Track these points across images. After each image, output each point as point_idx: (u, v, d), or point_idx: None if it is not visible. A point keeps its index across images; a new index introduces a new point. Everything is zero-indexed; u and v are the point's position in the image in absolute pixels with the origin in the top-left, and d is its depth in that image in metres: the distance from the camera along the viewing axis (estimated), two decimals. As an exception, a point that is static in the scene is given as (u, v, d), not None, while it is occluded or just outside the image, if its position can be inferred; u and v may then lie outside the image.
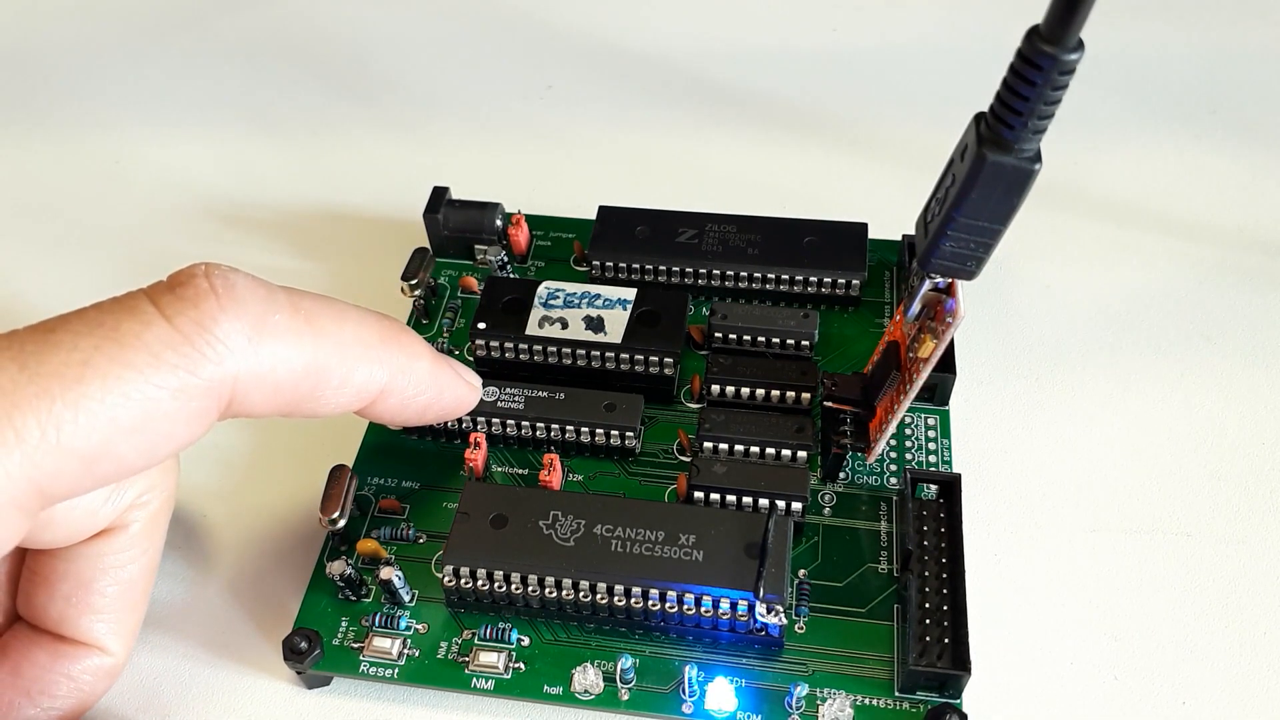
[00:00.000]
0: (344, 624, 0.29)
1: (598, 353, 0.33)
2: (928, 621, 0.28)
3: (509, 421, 0.32)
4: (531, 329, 0.34)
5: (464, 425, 0.33)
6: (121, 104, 0.48)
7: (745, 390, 0.33)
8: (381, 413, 0.28)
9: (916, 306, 0.29)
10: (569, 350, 0.33)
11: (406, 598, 0.29)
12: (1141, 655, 0.29)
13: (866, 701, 0.27)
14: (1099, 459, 0.33)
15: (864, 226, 0.37)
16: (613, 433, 0.32)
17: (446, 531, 0.29)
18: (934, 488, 0.31)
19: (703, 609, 0.28)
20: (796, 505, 0.30)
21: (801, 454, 0.31)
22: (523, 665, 0.28)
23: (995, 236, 0.25)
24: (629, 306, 0.34)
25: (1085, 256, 0.39)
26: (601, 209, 0.38)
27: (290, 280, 0.26)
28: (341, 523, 0.30)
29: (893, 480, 0.32)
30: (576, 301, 0.34)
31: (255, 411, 0.24)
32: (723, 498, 0.30)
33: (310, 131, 0.46)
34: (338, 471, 0.31)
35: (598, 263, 0.37)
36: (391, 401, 0.27)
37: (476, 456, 0.32)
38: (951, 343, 0.31)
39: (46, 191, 0.44)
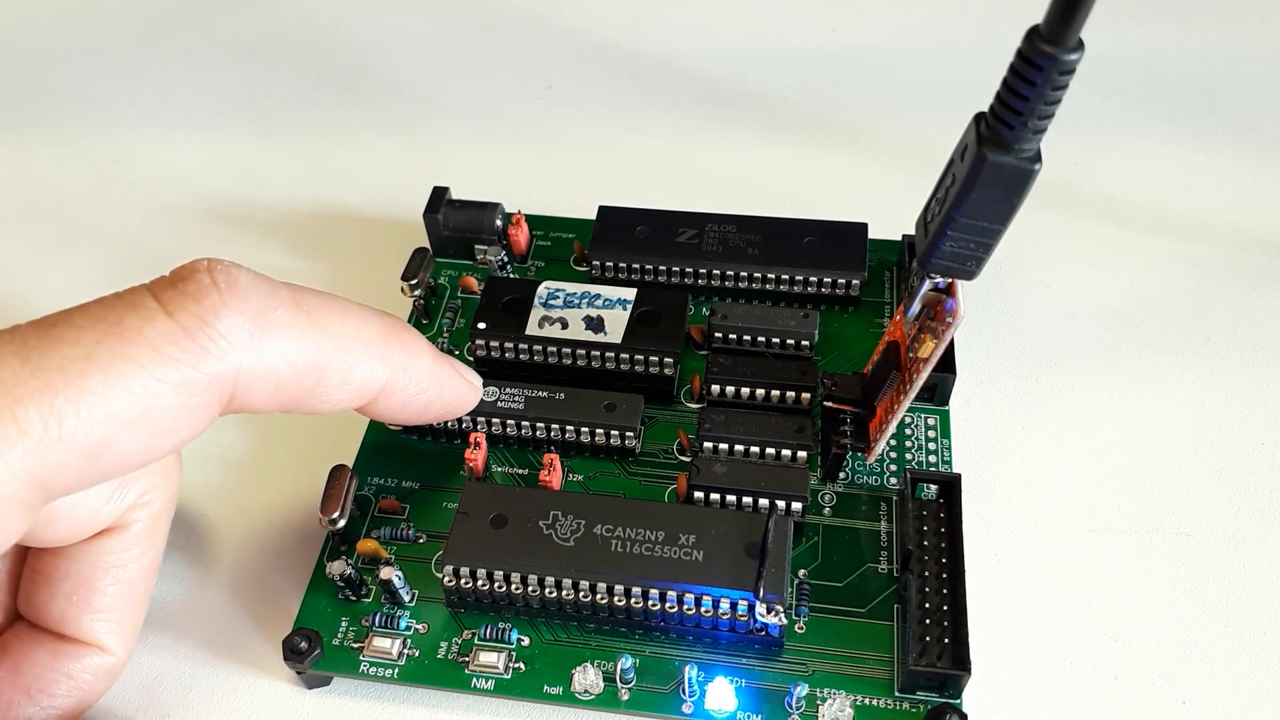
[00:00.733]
0: (344, 624, 0.29)
1: (598, 353, 0.33)
2: (928, 621, 0.28)
3: (509, 421, 0.32)
4: (531, 329, 0.34)
5: (464, 425, 0.33)
6: (121, 104, 0.48)
7: (745, 390, 0.33)
8: (382, 410, 0.28)
9: (916, 306, 0.29)
10: (569, 350, 0.33)
11: (406, 598, 0.29)
12: (1141, 655, 0.29)
13: (866, 701, 0.27)
14: (1099, 459, 0.33)
15: (864, 226, 0.37)
16: (613, 433, 0.32)
17: (446, 531, 0.29)
18: (934, 488, 0.31)
19: (703, 609, 0.28)
20: (796, 505, 0.30)
21: (801, 454, 0.31)
22: (523, 665, 0.28)
23: (995, 236, 0.25)
24: (629, 306, 0.34)
25: (1085, 256, 0.39)
26: (601, 209, 0.38)
27: (290, 280, 0.25)
28: (341, 523, 0.30)
29: (893, 480, 0.32)
30: (576, 301, 0.34)
31: (257, 407, 0.24)
32: (723, 498, 0.30)
33: (310, 131, 0.46)
34: (338, 471, 0.31)
35: (598, 263, 0.37)
36: (392, 399, 0.27)
37: (476, 456, 0.32)
38: (951, 343, 0.31)
39: (46, 191, 0.44)
